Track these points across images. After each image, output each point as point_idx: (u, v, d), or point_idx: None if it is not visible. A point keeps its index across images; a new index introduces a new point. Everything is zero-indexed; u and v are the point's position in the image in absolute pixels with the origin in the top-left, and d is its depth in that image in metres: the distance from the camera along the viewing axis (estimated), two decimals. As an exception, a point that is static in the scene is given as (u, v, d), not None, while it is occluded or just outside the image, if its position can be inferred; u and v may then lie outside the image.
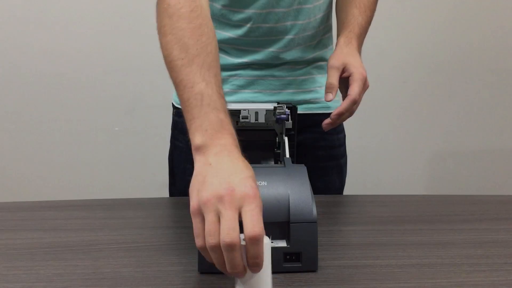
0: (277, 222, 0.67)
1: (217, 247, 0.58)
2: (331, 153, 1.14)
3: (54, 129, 1.98)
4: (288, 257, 0.67)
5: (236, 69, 1.06)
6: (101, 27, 1.90)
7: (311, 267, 0.68)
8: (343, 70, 0.94)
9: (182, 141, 1.11)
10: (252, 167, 0.74)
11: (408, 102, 2.06)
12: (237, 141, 0.68)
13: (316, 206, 0.68)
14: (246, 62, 1.04)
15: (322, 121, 1.08)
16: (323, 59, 1.10)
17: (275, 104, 0.88)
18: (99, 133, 2.00)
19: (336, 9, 1.10)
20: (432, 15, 2.00)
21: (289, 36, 1.02)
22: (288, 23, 1.01)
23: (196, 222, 0.60)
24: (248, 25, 1.00)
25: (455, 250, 0.76)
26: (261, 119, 0.87)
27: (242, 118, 0.86)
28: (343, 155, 1.18)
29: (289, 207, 0.67)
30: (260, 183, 0.69)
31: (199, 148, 0.67)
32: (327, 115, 1.10)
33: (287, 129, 0.89)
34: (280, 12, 1.00)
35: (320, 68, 1.11)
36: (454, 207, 0.97)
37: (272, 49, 1.03)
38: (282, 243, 0.67)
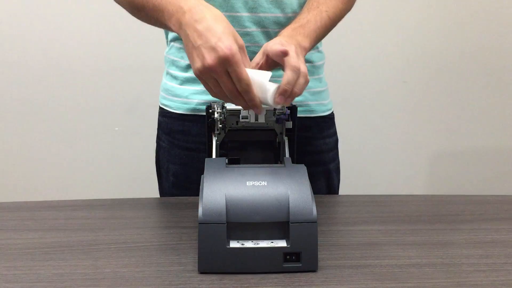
0: (277, 222, 0.67)
1: (226, 97, 0.76)
2: (318, 158, 1.11)
3: (54, 129, 1.98)
4: (288, 257, 0.67)
5: None
6: (101, 27, 1.90)
7: (311, 267, 0.68)
8: (263, 56, 0.82)
9: (165, 141, 1.11)
10: (252, 167, 0.75)
11: (408, 102, 2.06)
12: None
13: (316, 206, 0.68)
14: None
15: (306, 125, 1.07)
16: (310, 61, 1.07)
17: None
18: (99, 133, 2.00)
19: None
20: (432, 15, 2.00)
21: (265, 29, 1.00)
22: (262, 15, 0.99)
23: (202, 83, 0.77)
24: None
25: (455, 250, 0.76)
26: (261, 119, 0.87)
27: (242, 118, 0.86)
28: (333, 160, 1.15)
29: (289, 207, 0.67)
30: (260, 183, 0.69)
31: (178, 22, 0.78)
32: (311, 118, 1.09)
33: (287, 129, 0.89)
34: (250, 1, 0.98)
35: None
36: (454, 207, 0.97)
37: (249, 43, 1.00)
38: (282, 243, 0.67)
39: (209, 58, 0.72)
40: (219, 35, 0.73)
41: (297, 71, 0.76)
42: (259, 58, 0.82)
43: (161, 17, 0.83)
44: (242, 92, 0.74)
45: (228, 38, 0.73)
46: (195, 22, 0.75)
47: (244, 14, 0.99)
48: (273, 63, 0.82)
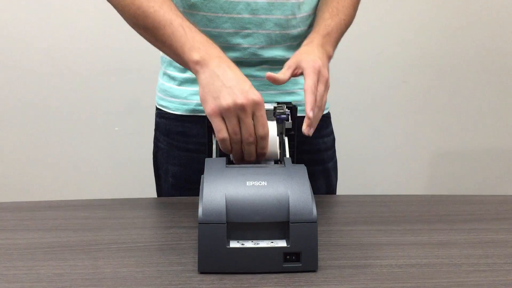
0: (277, 222, 0.67)
1: (239, 141, 0.79)
2: (316, 157, 1.12)
3: (54, 129, 1.98)
4: (288, 257, 0.67)
5: None
6: (101, 27, 1.90)
7: (311, 267, 0.68)
8: (297, 68, 0.90)
9: (163, 142, 1.11)
10: (253, 167, 0.75)
11: (408, 102, 2.06)
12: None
13: (316, 206, 0.68)
14: None
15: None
16: None
17: (275, 104, 0.88)
18: (99, 133, 2.00)
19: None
20: (432, 15, 2.00)
21: (265, 31, 1.00)
22: (263, 16, 1.00)
23: (217, 121, 0.78)
24: (220, 15, 0.99)
25: (455, 250, 0.76)
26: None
27: None
28: (331, 159, 1.16)
29: (289, 207, 0.67)
30: (260, 183, 0.69)
31: (199, 63, 0.82)
32: None
33: (287, 129, 0.89)
34: (252, 3, 0.98)
35: None
36: (454, 207, 0.97)
37: (248, 45, 1.01)
38: (282, 243, 0.67)
39: (243, 98, 0.77)
40: (249, 85, 0.79)
41: (313, 94, 0.84)
42: (292, 64, 0.89)
43: (177, 45, 0.86)
44: (260, 137, 0.80)
45: (249, 83, 0.80)
46: (227, 67, 0.81)
47: (246, 16, 0.99)
48: (300, 73, 0.89)
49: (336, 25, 0.99)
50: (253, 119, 0.78)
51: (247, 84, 0.79)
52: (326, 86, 0.89)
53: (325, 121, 1.14)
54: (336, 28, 0.99)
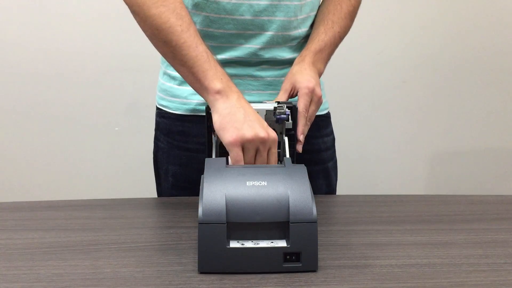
0: (277, 222, 0.67)
1: None
2: (316, 157, 1.11)
3: (54, 129, 1.98)
4: (288, 257, 0.67)
5: None
6: (101, 27, 1.90)
7: (311, 267, 0.68)
8: (292, 89, 0.96)
9: (164, 141, 1.11)
10: (252, 167, 0.75)
11: (407, 102, 2.06)
12: None
13: (316, 206, 0.68)
14: (224, 59, 1.02)
15: None
16: None
17: (275, 104, 0.88)
18: (99, 133, 2.00)
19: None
20: (432, 15, 2.00)
21: (268, 33, 1.01)
22: (266, 18, 1.00)
23: (237, 151, 0.80)
24: (223, 16, 0.99)
25: (455, 250, 0.76)
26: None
27: None
28: (331, 158, 1.16)
29: (289, 207, 0.67)
30: (260, 183, 0.69)
31: (220, 92, 0.85)
32: None
33: (287, 129, 0.89)
34: (255, 5, 0.98)
35: None
36: (454, 207, 0.97)
37: (249, 45, 1.01)
38: (282, 243, 0.67)
39: (264, 133, 0.81)
40: (267, 124, 0.84)
41: (305, 117, 0.92)
42: (288, 86, 0.96)
43: (199, 69, 0.87)
44: None
45: (273, 129, 0.84)
46: (246, 103, 0.85)
47: (248, 17, 0.99)
48: (296, 94, 0.95)
49: (329, 39, 1.03)
50: (268, 153, 0.83)
51: (265, 122, 0.84)
52: (318, 104, 0.96)
53: (325, 121, 1.15)
54: (329, 43, 1.03)
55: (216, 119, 0.83)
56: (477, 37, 2.02)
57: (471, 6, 2.00)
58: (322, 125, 1.13)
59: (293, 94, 0.96)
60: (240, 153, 0.81)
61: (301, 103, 0.92)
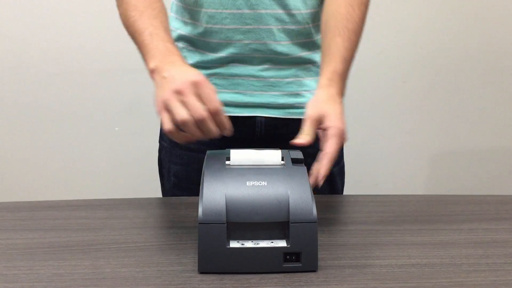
0: (277, 222, 0.67)
1: (191, 125, 0.75)
2: None
3: (54, 129, 1.98)
4: (288, 257, 0.67)
5: (215, 67, 1.03)
6: (101, 27, 1.90)
7: (311, 267, 0.68)
8: (320, 121, 0.87)
9: (167, 140, 1.11)
10: (252, 167, 0.75)
11: (407, 102, 2.06)
12: (185, 60, 0.86)
13: (316, 206, 0.68)
14: (225, 57, 1.01)
15: None
16: (313, 61, 1.06)
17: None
18: (99, 133, 2.00)
19: (321, 27, 1.01)
20: (431, 14, 2.00)
21: (267, 27, 0.99)
22: (263, 11, 0.99)
23: (164, 117, 0.76)
24: (220, 10, 0.99)
25: (455, 250, 0.76)
26: None
27: None
28: (337, 163, 1.10)
29: (289, 207, 0.67)
30: (260, 183, 0.69)
31: (153, 71, 0.84)
32: None
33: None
34: None
35: (309, 70, 1.06)
36: (454, 207, 0.97)
37: (249, 41, 1.00)
38: (282, 243, 0.67)
39: (179, 83, 0.76)
40: (194, 72, 0.79)
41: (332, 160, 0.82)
42: (315, 117, 0.86)
43: (142, 53, 0.89)
44: (212, 112, 0.75)
45: (195, 71, 0.80)
46: (176, 67, 0.82)
47: (246, 11, 0.99)
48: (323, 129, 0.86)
49: (350, 52, 0.95)
50: (201, 98, 0.75)
51: (189, 72, 0.78)
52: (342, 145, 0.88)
53: None
54: (350, 56, 0.95)
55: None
56: (477, 37, 2.02)
57: (471, 6, 2.00)
58: None
59: (320, 128, 0.86)
60: (165, 116, 0.76)
61: (331, 146, 0.83)
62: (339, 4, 0.97)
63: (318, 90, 0.92)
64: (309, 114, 0.87)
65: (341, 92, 0.93)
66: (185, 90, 0.75)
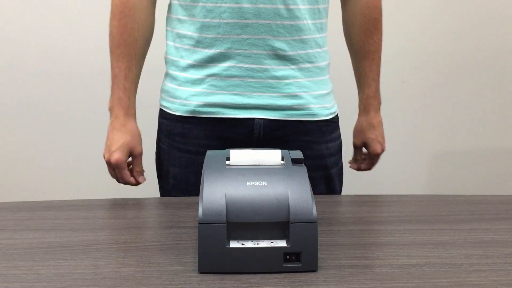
0: (277, 222, 0.67)
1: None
2: (318, 163, 1.09)
3: (54, 129, 1.98)
4: (288, 257, 0.67)
5: (213, 66, 1.02)
6: (101, 27, 1.90)
7: (311, 267, 0.68)
8: (363, 145, 1.22)
9: (165, 142, 1.10)
10: (252, 167, 0.75)
11: (407, 102, 2.06)
12: (130, 110, 1.12)
13: (316, 206, 0.68)
14: (223, 52, 1.01)
15: (307, 129, 1.07)
16: (313, 61, 1.05)
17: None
18: (99, 133, 1.99)
19: (346, 39, 1.21)
20: (431, 14, 2.00)
21: (266, 21, 0.99)
22: (262, 6, 0.98)
23: (109, 169, 1.11)
24: (219, 4, 0.98)
25: (455, 250, 0.76)
26: None
27: None
28: (335, 165, 1.13)
29: (289, 207, 0.67)
30: (260, 183, 0.69)
31: (109, 110, 1.10)
32: (313, 122, 1.08)
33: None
34: None
35: (308, 70, 1.05)
36: (454, 207, 0.97)
37: (247, 36, 0.99)
38: (282, 243, 0.67)
39: (108, 158, 1.08)
40: (116, 146, 1.07)
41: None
42: (360, 145, 1.23)
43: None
44: (126, 182, 1.11)
45: (121, 151, 1.07)
46: (114, 125, 1.09)
47: (244, 5, 0.98)
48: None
49: (378, 70, 1.19)
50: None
51: (119, 143, 1.07)
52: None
53: (330, 126, 1.12)
54: (378, 74, 1.19)
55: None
56: (477, 37, 2.02)
57: (471, 6, 2.00)
58: (326, 131, 1.10)
59: (364, 153, 1.24)
60: (112, 172, 1.10)
61: (369, 164, 1.24)
62: (360, 29, 1.19)
63: (359, 117, 1.21)
64: (355, 143, 1.22)
65: (378, 108, 1.19)
66: (109, 166, 1.09)
